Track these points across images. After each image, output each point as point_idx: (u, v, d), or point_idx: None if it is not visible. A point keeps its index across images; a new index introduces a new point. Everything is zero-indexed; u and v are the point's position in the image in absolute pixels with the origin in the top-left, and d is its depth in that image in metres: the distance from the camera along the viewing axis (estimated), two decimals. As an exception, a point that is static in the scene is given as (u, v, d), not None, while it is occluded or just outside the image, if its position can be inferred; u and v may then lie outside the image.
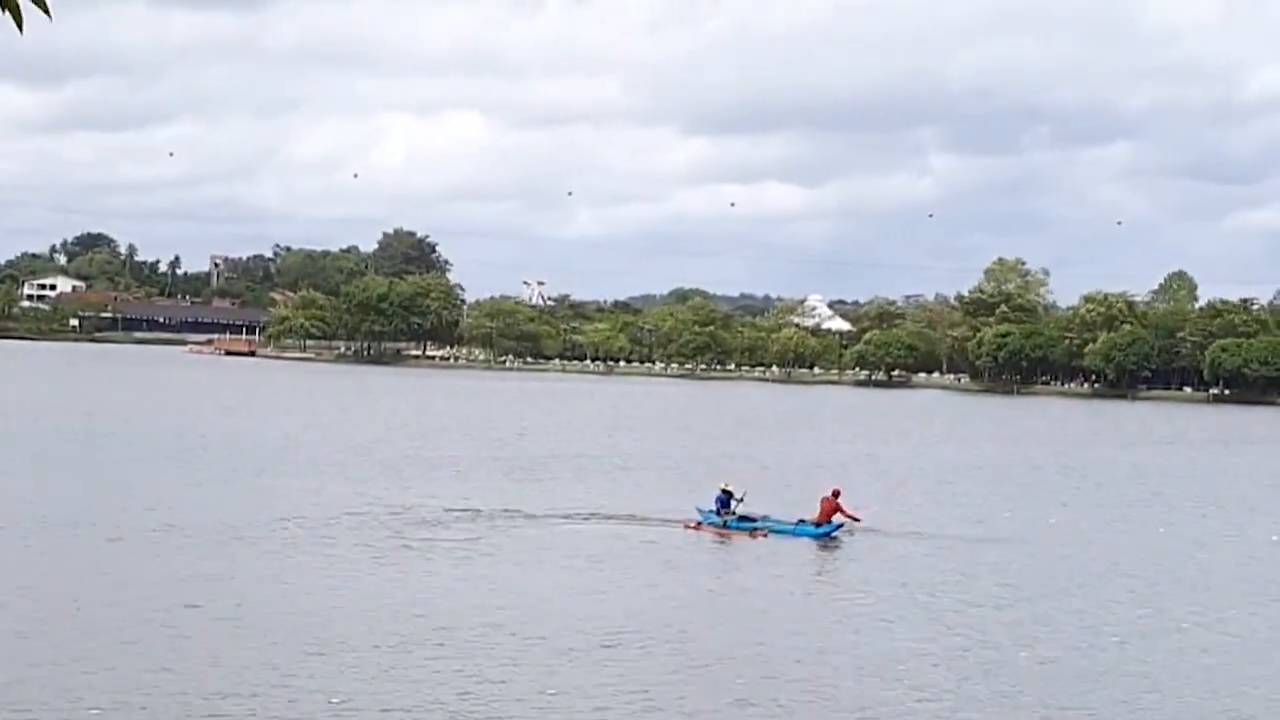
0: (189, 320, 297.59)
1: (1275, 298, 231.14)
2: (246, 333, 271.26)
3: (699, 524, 45.12)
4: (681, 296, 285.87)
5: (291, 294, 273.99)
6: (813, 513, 44.61)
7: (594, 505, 49.62)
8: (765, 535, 43.79)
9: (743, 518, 44.65)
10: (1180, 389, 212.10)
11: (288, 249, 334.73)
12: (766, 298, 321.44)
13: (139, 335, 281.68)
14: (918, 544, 43.64)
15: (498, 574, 35.80)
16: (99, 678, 24.64)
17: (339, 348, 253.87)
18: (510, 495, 51.56)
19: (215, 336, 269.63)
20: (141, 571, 34.75)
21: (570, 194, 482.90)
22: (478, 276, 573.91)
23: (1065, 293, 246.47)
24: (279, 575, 35.08)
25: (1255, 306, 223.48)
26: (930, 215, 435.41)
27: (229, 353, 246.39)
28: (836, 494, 44.49)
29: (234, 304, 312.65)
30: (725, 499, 45.32)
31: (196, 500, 47.55)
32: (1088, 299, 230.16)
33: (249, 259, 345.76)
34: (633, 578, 36.48)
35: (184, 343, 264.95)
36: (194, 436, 71.49)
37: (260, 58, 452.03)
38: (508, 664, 26.22)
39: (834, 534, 43.58)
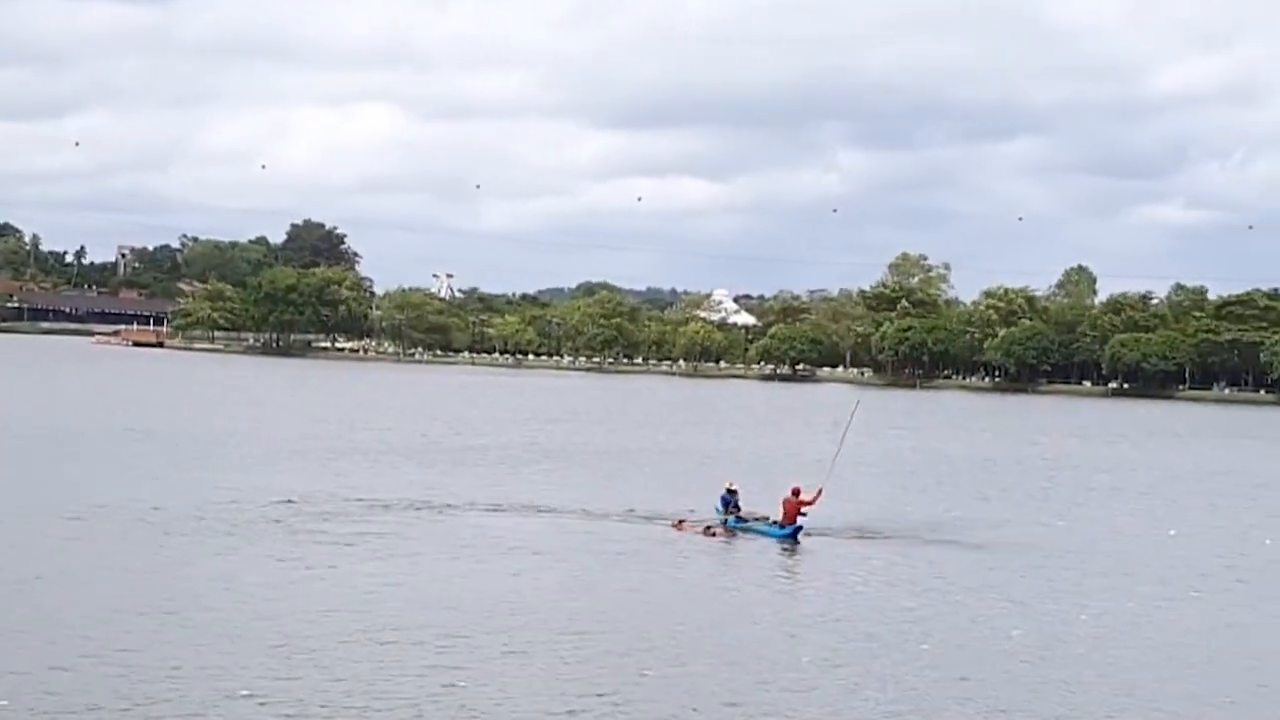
0: (96, 311, 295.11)
1: (1173, 292, 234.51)
2: (154, 324, 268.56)
3: (680, 522, 43.32)
4: (589, 290, 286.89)
5: (199, 285, 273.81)
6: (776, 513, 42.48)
7: (519, 498, 49.17)
8: (715, 534, 42.09)
9: (739, 518, 43.01)
10: (1080, 383, 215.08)
11: (195, 240, 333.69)
12: (674, 291, 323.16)
13: (45, 326, 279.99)
14: (854, 540, 42.48)
15: (421, 568, 35.10)
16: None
17: (247, 339, 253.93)
18: (430, 487, 51.15)
19: (122, 327, 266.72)
20: (40, 566, 33.01)
21: (478, 187, 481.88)
22: (388, 269, 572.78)
23: (969, 287, 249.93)
24: (190, 568, 33.73)
25: (1154, 301, 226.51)
26: (834, 210, 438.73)
27: (136, 344, 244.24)
28: (796, 492, 42.26)
29: (141, 295, 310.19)
30: (729, 498, 43.57)
31: (108, 491, 46.23)
32: (987, 294, 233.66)
33: (156, 250, 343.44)
34: (560, 572, 35.74)
35: (91, 333, 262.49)
36: (103, 429, 70.70)
37: (173, 49, 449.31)
38: (422, 657, 25.64)
39: (797, 535, 41.26)
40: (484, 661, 25.45)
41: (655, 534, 42.59)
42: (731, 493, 43.70)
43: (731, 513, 43.13)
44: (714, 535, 41.97)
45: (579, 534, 42.20)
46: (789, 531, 41.30)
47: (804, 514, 41.60)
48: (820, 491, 42.02)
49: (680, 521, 43.40)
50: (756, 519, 42.77)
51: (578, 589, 33.16)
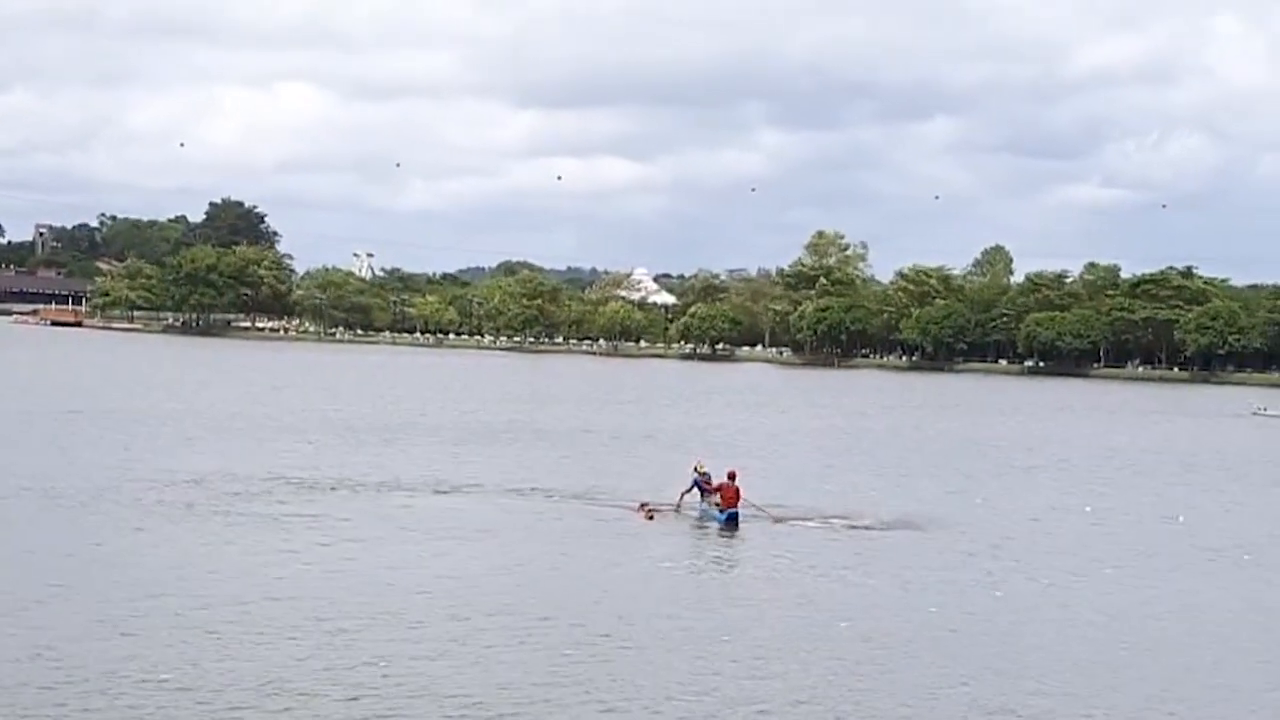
0: (13, 290, 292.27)
1: (1088, 271, 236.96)
2: (73, 303, 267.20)
3: (644, 505, 42.28)
4: (510, 269, 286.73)
5: (118, 264, 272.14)
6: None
7: (451, 478, 49.15)
8: (651, 517, 41.33)
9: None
10: (996, 361, 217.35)
11: (113, 218, 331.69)
12: (594, 271, 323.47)
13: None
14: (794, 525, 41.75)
15: (350, 547, 34.79)
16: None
17: (167, 319, 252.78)
18: (361, 466, 51.07)
19: (40, 307, 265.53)
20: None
21: (398, 165, 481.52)
22: (312, 249, 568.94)
23: (889, 267, 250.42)
24: (111, 550, 33.38)
25: (1069, 280, 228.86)
26: (753, 190, 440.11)
27: (55, 323, 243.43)
28: (733, 476, 41.45)
29: (60, 274, 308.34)
30: (701, 480, 42.02)
31: (27, 469, 46.00)
32: (900, 274, 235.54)
33: (75, 228, 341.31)
34: (490, 553, 35.61)
35: (9, 313, 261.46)
36: (24, 409, 70.02)
37: (98, 28, 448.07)
38: (350, 639, 25.36)
39: (736, 521, 40.42)
40: (414, 644, 25.35)
41: (584, 513, 42.77)
42: (705, 475, 42.11)
43: (707, 499, 41.67)
44: (651, 518, 41.45)
45: (510, 514, 42.30)
46: (728, 516, 40.56)
47: (745, 502, 41.06)
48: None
49: (644, 505, 42.49)
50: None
51: (505, 570, 33.25)
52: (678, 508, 42.11)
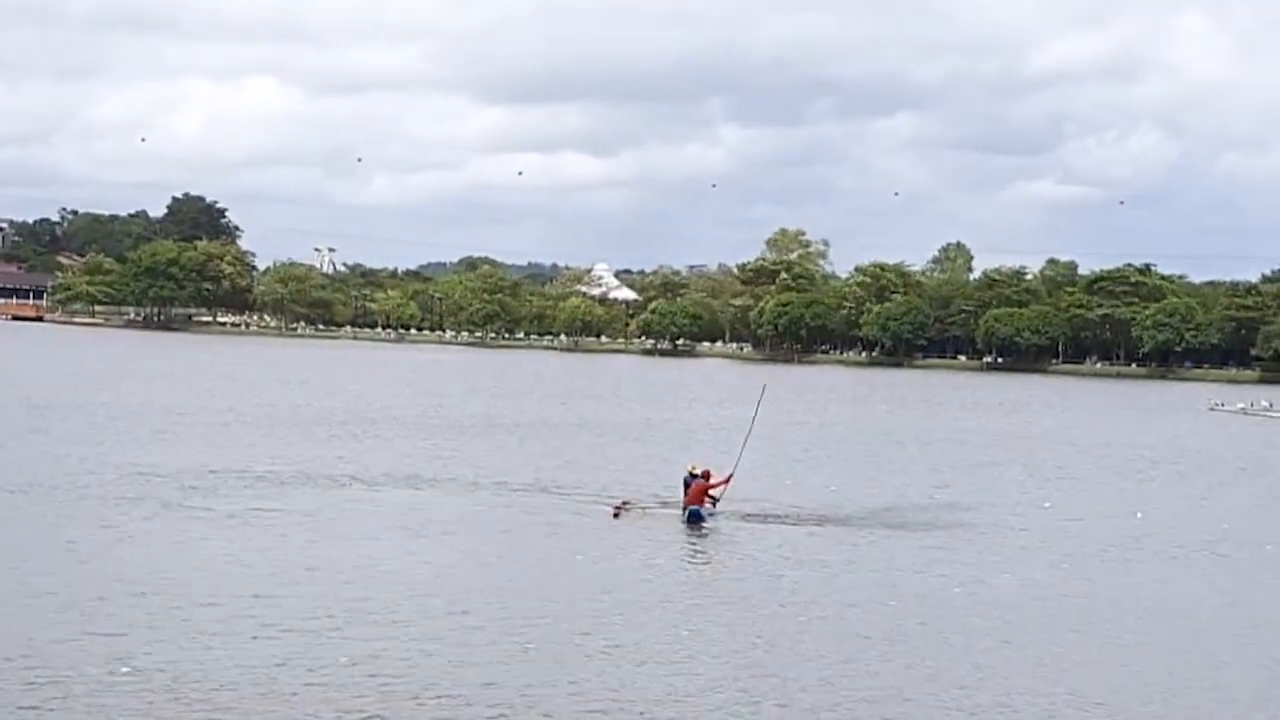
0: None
1: (1048, 267, 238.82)
2: (33, 297, 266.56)
3: (625, 503, 41.99)
4: (471, 265, 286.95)
5: (79, 259, 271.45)
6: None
7: (417, 472, 49.55)
8: (618, 514, 40.97)
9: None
10: (955, 357, 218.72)
11: (74, 213, 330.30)
12: (555, 266, 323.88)
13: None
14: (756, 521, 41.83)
15: (315, 539, 35.02)
16: None
17: (128, 313, 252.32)
18: (325, 460, 51.35)
19: (1, 301, 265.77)
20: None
21: (360, 160, 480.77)
22: (276, 243, 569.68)
23: (851, 263, 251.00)
24: (75, 540, 33.56)
25: (1028, 276, 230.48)
26: (714, 185, 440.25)
27: (15, 318, 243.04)
28: (706, 475, 41.17)
29: (20, 268, 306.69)
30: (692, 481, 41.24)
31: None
32: (859, 270, 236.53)
33: (36, 223, 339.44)
34: (452, 547, 35.94)
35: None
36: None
37: (63, 21, 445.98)
38: (312, 629, 25.52)
39: (698, 518, 39.98)
40: (368, 639, 25.38)
41: (549, 507, 43.05)
42: (694, 476, 41.25)
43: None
44: (618, 515, 41.15)
45: (478, 509, 42.68)
46: (689, 513, 40.13)
47: (713, 498, 40.98)
48: (730, 477, 41.73)
49: (625, 504, 42.32)
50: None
51: (475, 566, 33.57)
52: (643, 508, 42.14)
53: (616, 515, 41.21)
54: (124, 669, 22.57)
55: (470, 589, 30.37)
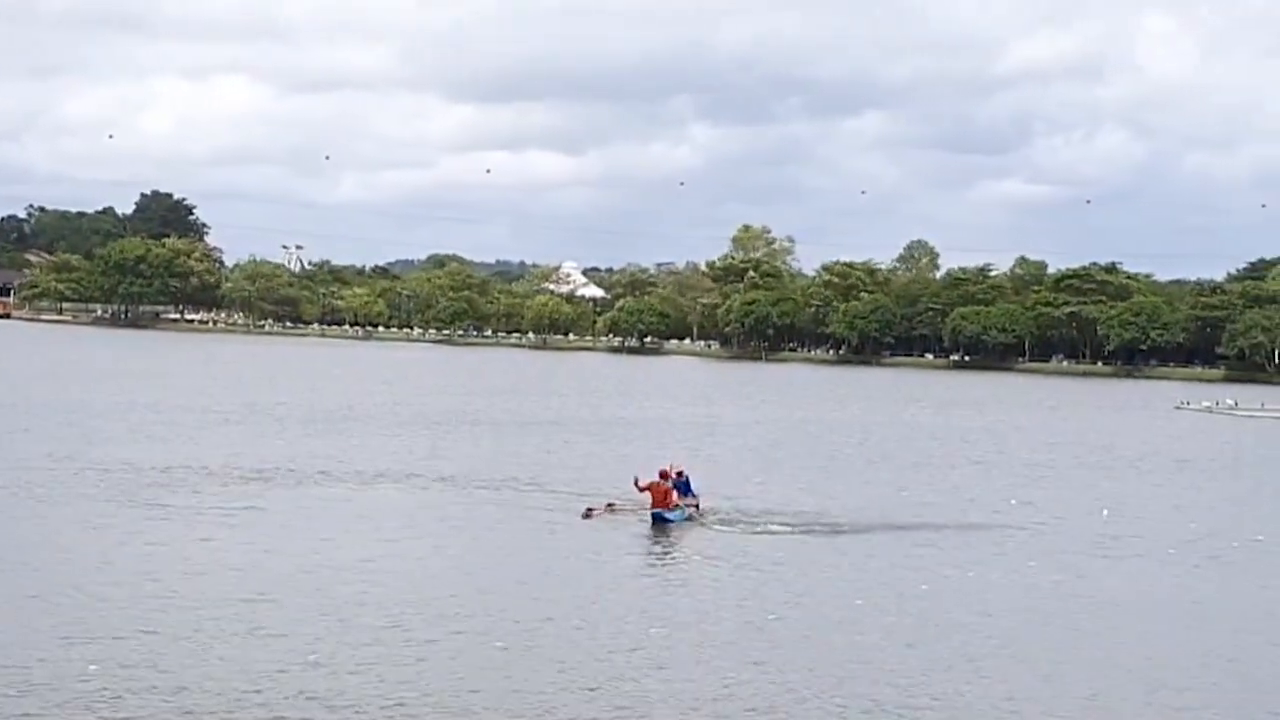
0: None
1: (1016, 265, 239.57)
2: (1, 295, 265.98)
3: (590, 510, 41.46)
4: (439, 262, 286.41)
5: (46, 256, 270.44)
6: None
7: (390, 468, 50.04)
8: (589, 515, 40.88)
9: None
10: (922, 355, 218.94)
11: (42, 210, 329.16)
12: (523, 264, 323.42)
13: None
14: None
15: (286, 540, 35.14)
16: None
17: (95, 311, 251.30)
18: (301, 457, 51.79)
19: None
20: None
21: (328, 158, 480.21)
22: (244, 241, 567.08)
23: (819, 261, 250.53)
24: (49, 537, 33.96)
25: (994, 274, 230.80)
26: (681, 184, 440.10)
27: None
28: (680, 474, 41.46)
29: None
30: (678, 483, 41.30)
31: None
32: (825, 268, 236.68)
33: (3, 220, 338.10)
34: (425, 545, 36.19)
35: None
36: None
37: (34, 20, 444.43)
38: (280, 632, 25.56)
39: (663, 520, 39.89)
40: (341, 635, 25.57)
41: (518, 503, 43.51)
42: (665, 477, 41.13)
43: (683, 499, 41.16)
44: (589, 516, 41.07)
45: (447, 504, 43.10)
46: (653, 516, 40.15)
47: (678, 507, 40.63)
48: (697, 508, 41.65)
49: (610, 505, 41.96)
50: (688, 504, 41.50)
51: (444, 563, 33.88)
52: (610, 507, 41.91)
53: (588, 515, 41.15)
54: (94, 666, 22.73)
55: (444, 588, 30.51)
